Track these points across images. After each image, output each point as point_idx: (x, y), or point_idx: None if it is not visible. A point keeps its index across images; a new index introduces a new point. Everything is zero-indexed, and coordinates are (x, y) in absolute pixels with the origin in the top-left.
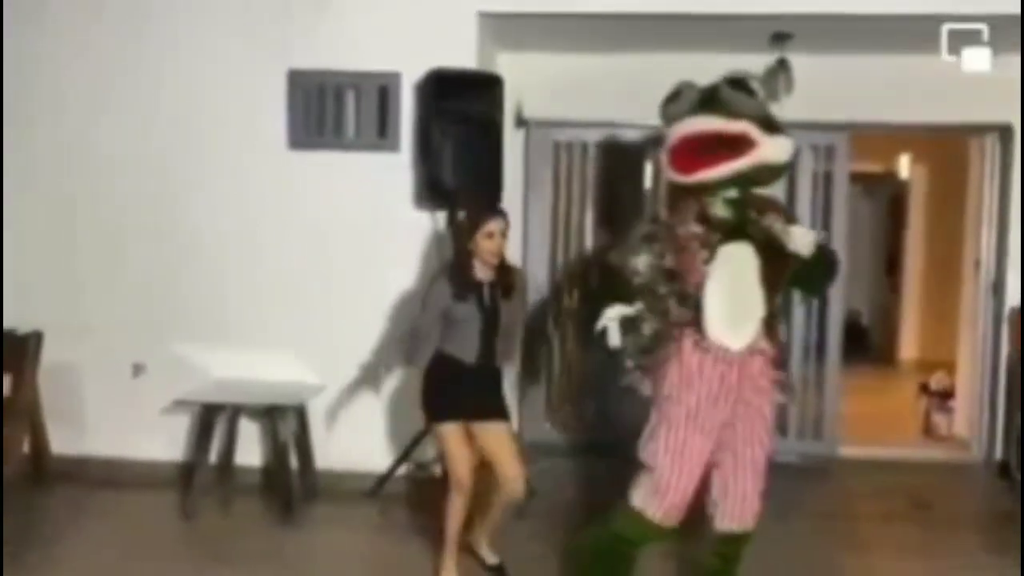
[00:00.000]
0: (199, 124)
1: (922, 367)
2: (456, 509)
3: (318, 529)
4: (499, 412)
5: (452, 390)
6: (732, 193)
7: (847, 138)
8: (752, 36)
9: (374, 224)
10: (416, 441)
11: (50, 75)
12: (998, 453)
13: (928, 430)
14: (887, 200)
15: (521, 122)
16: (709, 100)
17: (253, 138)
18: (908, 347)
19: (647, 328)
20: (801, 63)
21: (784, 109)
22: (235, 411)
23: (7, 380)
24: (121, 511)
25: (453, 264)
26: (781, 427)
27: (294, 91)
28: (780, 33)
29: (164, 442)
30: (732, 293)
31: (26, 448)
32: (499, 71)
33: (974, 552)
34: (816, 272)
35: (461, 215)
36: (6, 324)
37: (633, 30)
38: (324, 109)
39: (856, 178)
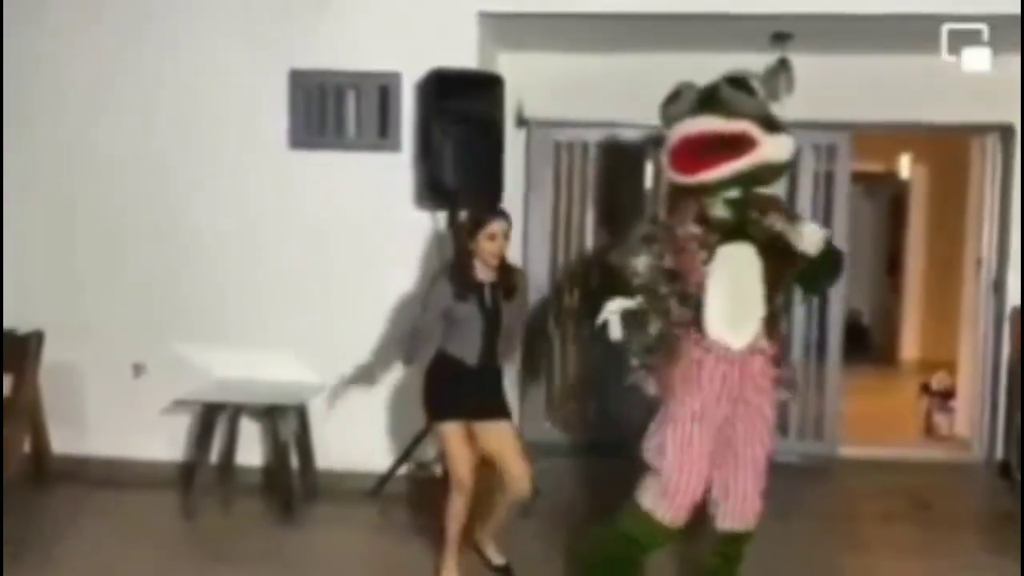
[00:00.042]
0: (200, 124)
1: (923, 367)
2: (457, 509)
3: (319, 529)
4: (501, 411)
5: (453, 390)
6: (734, 193)
7: (848, 138)
8: (753, 36)
9: (375, 224)
10: (417, 441)
11: (50, 75)
12: (999, 453)
13: (929, 430)
14: (888, 200)
15: (522, 122)
16: (709, 99)
17: (254, 138)
18: (909, 347)
19: (652, 327)
20: (802, 63)
21: (785, 109)
22: (236, 411)
23: (8, 380)
24: (122, 511)
25: (454, 264)
26: (782, 427)
27: (295, 91)
28: (781, 33)
29: (165, 442)
30: (732, 293)
31: (27, 448)
32: (500, 71)
33: (975, 552)
34: (821, 271)
35: (463, 215)
36: (7, 324)
37: (634, 30)
38: (325, 109)
39: (857, 178)
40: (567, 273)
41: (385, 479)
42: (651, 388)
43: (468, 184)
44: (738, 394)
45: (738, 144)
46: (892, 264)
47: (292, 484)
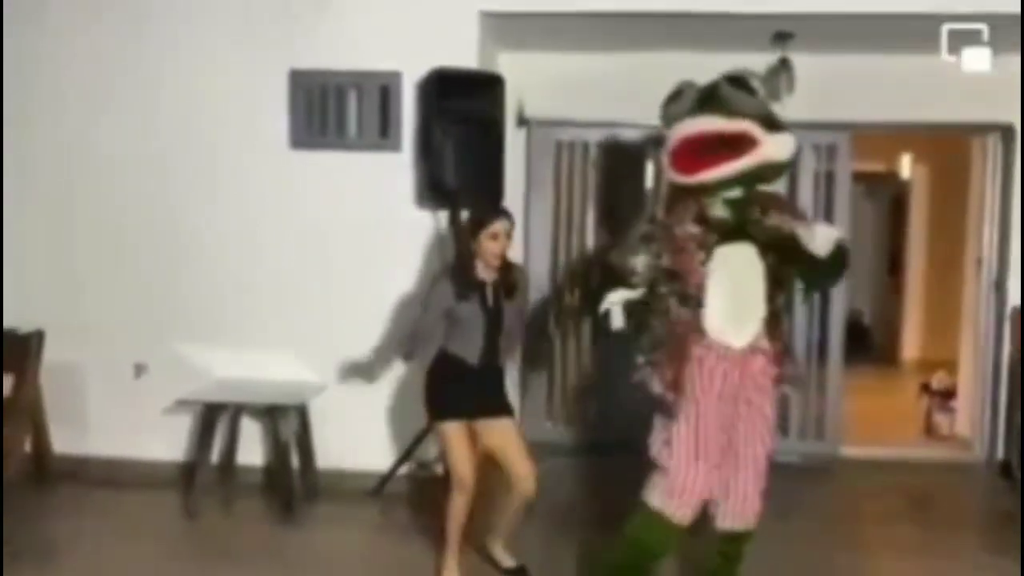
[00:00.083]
0: (200, 124)
1: (924, 367)
2: (458, 509)
3: (319, 528)
4: (503, 408)
5: (455, 389)
6: (736, 192)
7: (849, 138)
8: (754, 35)
9: (375, 224)
10: (418, 440)
11: (50, 75)
12: (1000, 453)
13: (930, 430)
14: (889, 200)
15: (522, 122)
16: (709, 99)
17: (254, 138)
18: (910, 347)
19: (658, 326)
20: (803, 62)
21: (786, 109)
22: (237, 411)
23: (8, 380)
24: (123, 511)
25: (455, 264)
26: (783, 427)
27: (295, 91)
28: (782, 32)
29: (166, 442)
30: (733, 293)
31: (28, 448)
32: (500, 71)
33: (975, 552)
34: (828, 271)
35: (464, 215)
36: (7, 323)
37: (634, 29)
38: (325, 109)
39: (858, 178)
40: (568, 272)
41: (386, 479)
42: (655, 385)
43: (469, 184)
44: (739, 393)
45: (739, 143)
46: (893, 264)
47: (293, 484)
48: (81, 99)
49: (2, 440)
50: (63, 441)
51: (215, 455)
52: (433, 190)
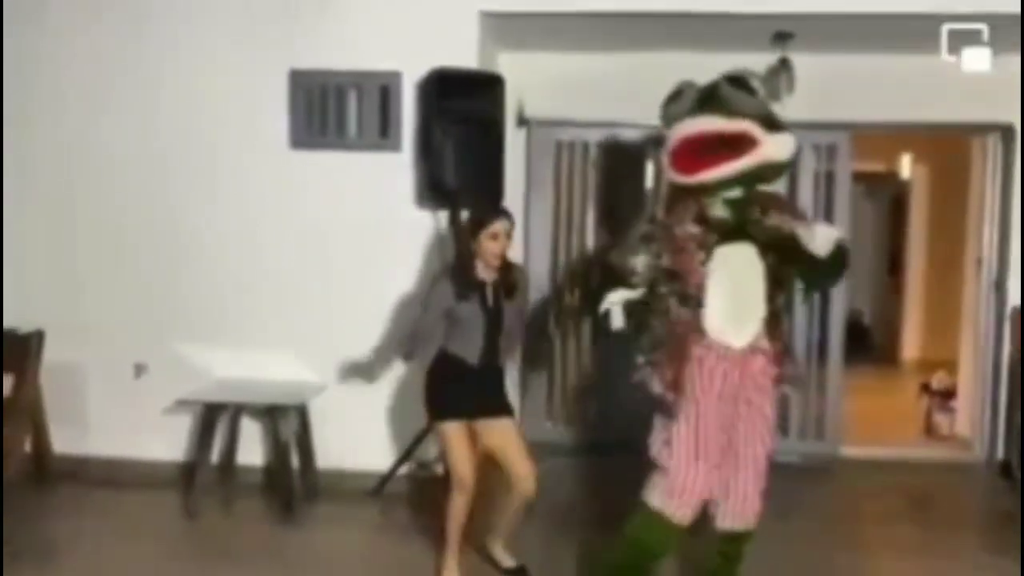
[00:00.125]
0: (200, 124)
1: (924, 367)
2: (458, 509)
3: (319, 529)
4: (503, 408)
5: (455, 389)
6: (736, 192)
7: (849, 137)
8: (754, 35)
9: (375, 224)
10: (418, 440)
11: (50, 75)
12: (1000, 453)
13: (930, 430)
14: (889, 200)
15: (522, 121)
16: (709, 99)
17: (254, 138)
18: (910, 347)
19: (658, 326)
20: (803, 62)
21: (786, 109)
22: (237, 411)
23: (9, 380)
24: (123, 511)
25: (455, 264)
26: (783, 427)
27: (295, 91)
28: (782, 32)
29: (166, 442)
30: (733, 293)
31: (28, 448)
32: (500, 71)
33: (975, 552)
34: (829, 270)
35: (464, 215)
36: (7, 323)
37: (635, 29)
38: (326, 109)
39: (858, 178)
40: (568, 272)
41: (386, 479)
42: (655, 385)
43: (469, 184)
44: (739, 393)
45: (739, 143)
46: (893, 264)
47: (293, 484)
48: (81, 99)
49: (2, 440)
50: (63, 441)
51: (215, 455)
52: (433, 190)
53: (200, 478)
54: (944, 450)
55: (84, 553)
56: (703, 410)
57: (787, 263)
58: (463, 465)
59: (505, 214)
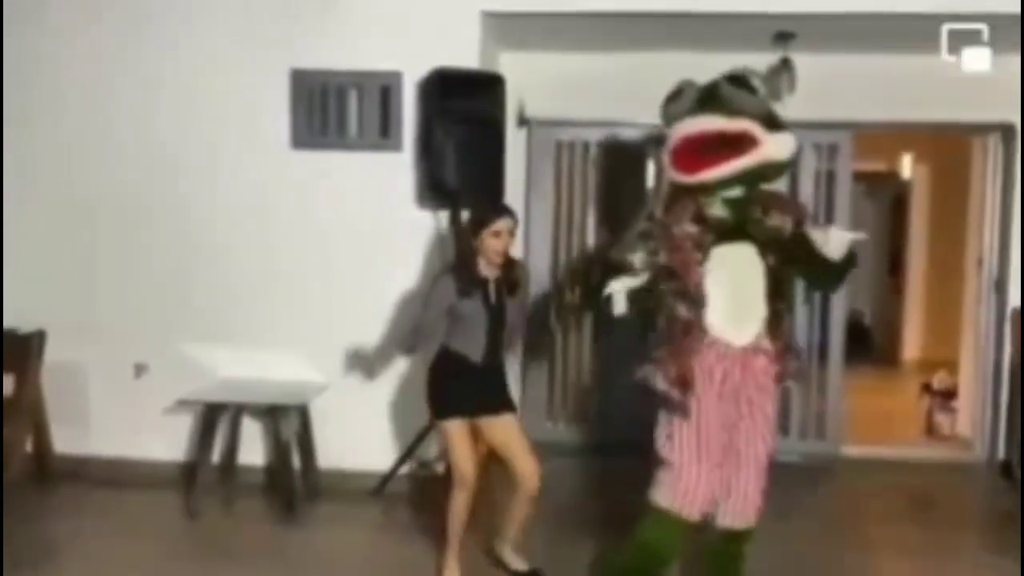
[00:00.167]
0: (201, 124)
1: (924, 367)
2: (459, 506)
3: (321, 528)
4: (506, 405)
5: (457, 387)
6: (737, 192)
7: (850, 137)
8: (755, 35)
9: (376, 224)
10: (419, 440)
11: (50, 75)
12: (1000, 453)
13: (930, 430)
14: (889, 200)
15: (523, 121)
16: (709, 98)
17: (255, 138)
18: (910, 347)
19: (660, 322)
20: (804, 62)
21: (787, 108)
22: (238, 410)
23: (10, 379)
24: (124, 510)
25: (457, 261)
26: (784, 426)
27: (297, 91)
28: (783, 32)
29: (167, 442)
30: (732, 292)
31: (29, 448)
32: (501, 70)
33: (976, 552)
34: (836, 272)
35: (467, 212)
36: (8, 323)
37: (635, 29)
38: (327, 109)
39: (859, 177)
40: (568, 271)
41: (387, 478)
42: (659, 383)
43: (470, 184)
44: (740, 392)
45: (739, 143)
46: (893, 264)
47: (294, 483)
48: (81, 99)
49: (3, 440)
50: (64, 441)
51: (216, 455)
52: (434, 190)
53: (201, 478)
54: (945, 450)
55: (85, 553)
56: (704, 409)
57: (788, 263)
58: (465, 462)
59: (508, 212)
